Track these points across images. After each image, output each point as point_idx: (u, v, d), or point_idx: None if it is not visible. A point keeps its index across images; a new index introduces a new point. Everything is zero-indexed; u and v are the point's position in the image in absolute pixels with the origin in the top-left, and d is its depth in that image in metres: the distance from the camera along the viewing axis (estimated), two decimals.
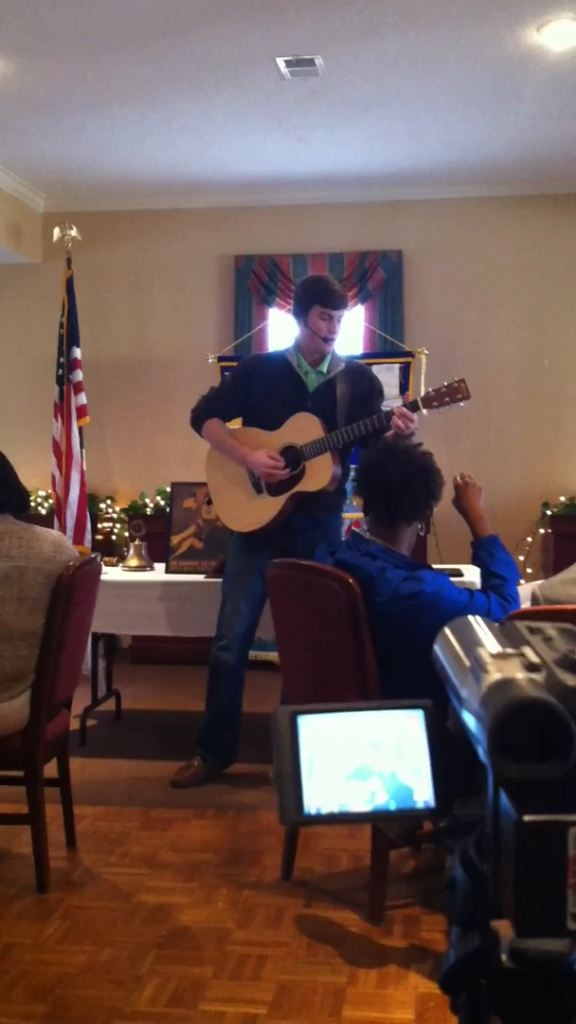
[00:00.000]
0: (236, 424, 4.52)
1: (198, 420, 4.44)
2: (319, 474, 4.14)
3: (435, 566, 3.59)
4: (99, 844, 3.70)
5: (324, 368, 4.29)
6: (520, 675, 0.72)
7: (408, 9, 4.57)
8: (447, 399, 4.11)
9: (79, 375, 6.53)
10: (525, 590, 3.34)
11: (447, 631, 0.88)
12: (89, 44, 4.92)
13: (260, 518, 4.25)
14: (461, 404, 4.10)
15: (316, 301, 4.22)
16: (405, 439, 3.96)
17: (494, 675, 0.72)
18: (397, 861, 3.41)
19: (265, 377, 4.33)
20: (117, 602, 4.68)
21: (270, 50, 4.98)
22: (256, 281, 7.31)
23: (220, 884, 3.35)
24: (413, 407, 4.04)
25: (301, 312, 4.26)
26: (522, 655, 0.75)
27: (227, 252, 7.42)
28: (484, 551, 3.29)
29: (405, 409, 4.02)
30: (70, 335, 6.56)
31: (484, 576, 3.26)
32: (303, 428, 4.19)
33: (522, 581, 3.45)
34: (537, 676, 0.72)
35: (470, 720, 0.75)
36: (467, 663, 0.79)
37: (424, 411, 4.11)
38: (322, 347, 4.25)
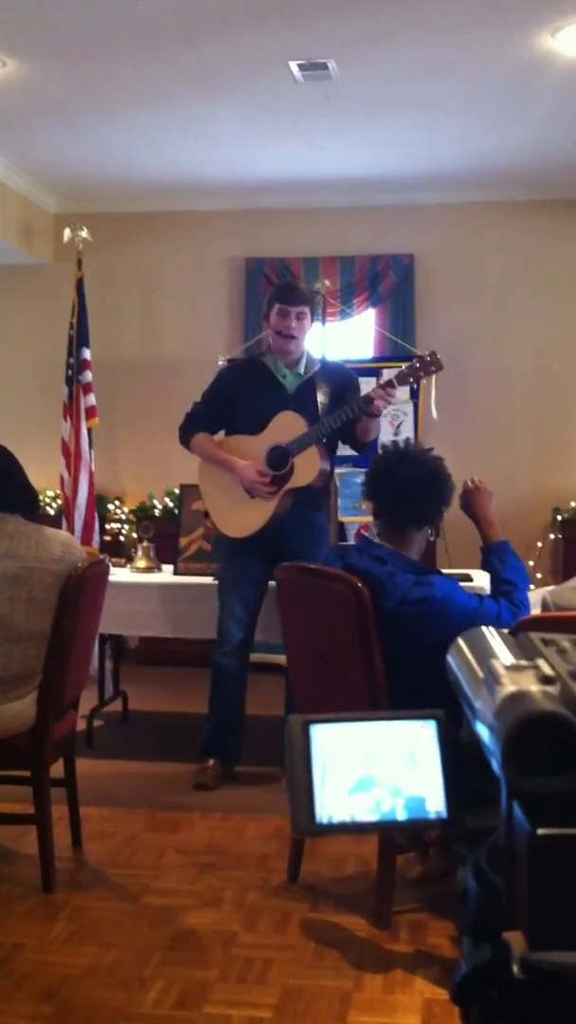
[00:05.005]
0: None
1: (185, 437, 4.51)
2: (307, 469, 4.20)
3: (445, 571, 3.59)
4: (105, 845, 3.70)
5: (300, 369, 4.37)
6: (534, 688, 0.72)
7: (422, 13, 4.56)
8: (421, 373, 4.22)
9: (88, 376, 6.54)
10: (535, 596, 3.32)
11: (460, 642, 0.88)
12: (102, 47, 4.93)
13: (257, 520, 4.29)
14: (436, 375, 4.27)
15: (275, 300, 4.35)
16: (378, 416, 4.17)
17: (508, 687, 0.72)
18: (404, 866, 3.41)
19: (244, 384, 4.41)
20: (125, 603, 4.68)
21: (283, 53, 4.98)
22: (267, 284, 7.30)
23: (226, 887, 3.35)
24: (389, 385, 4.11)
25: (266, 315, 4.40)
26: (536, 667, 0.74)
27: (238, 254, 7.42)
28: (494, 556, 3.28)
29: (381, 390, 4.10)
30: (80, 336, 6.57)
31: (494, 582, 3.26)
32: (287, 426, 4.25)
33: (532, 587, 3.43)
34: (551, 689, 0.72)
35: (483, 732, 0.75)
36: (481, 675, 0.78)
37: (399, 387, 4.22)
38: (284, 345, 4.32)
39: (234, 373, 4.56)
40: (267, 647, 4.84)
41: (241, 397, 4.38)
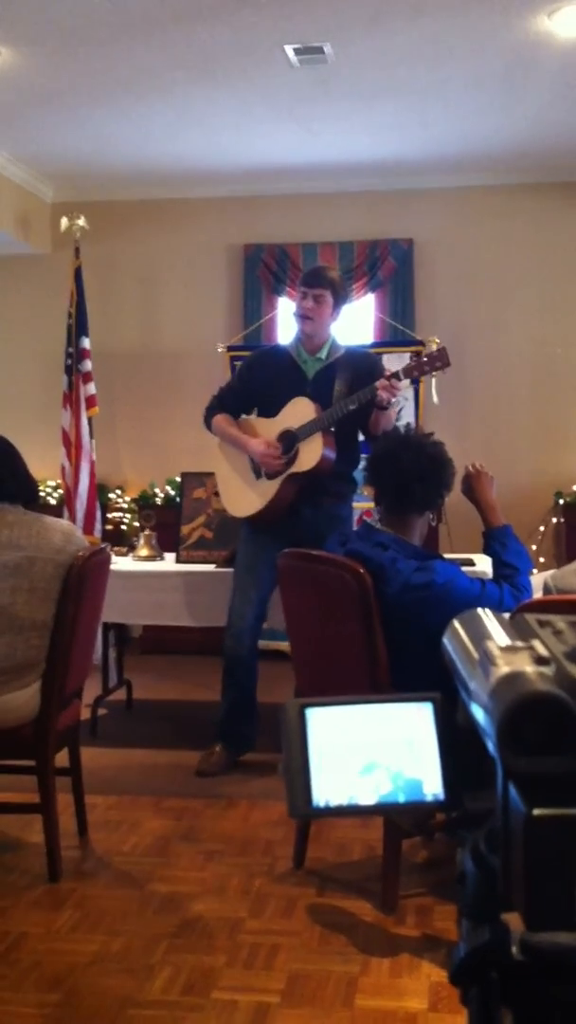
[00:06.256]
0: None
1: (207, 419, 4.56)
2: (310, 455, 4.20)
3: (447, 556, 3.59)
4: (111, 833, 3.71)
5: (323, 355, 4.36)
6: (529, 668, 0.71)
7: None
8: (427, 367, 4.22)
9: (88, 365, 6.54)
10: (537, 580, 3.33)
11: (456, 624, 0.88)
12: (97, 34, 4.91)
13: (258, 502, 4.32)
14: (442, 371, 4.23)
15: (299, 283, 4.41)
16: (386, 408, 4.09)
17: (503, 668, 0.72)
18: (409, 850, 3.41)
19: (268, 369, 4.43)
20: (127, 592, 4.70)
21: (279, 38, 4.96)
22: (265, 270, 7.29)
23: (232, 873, 3.36)
24: (394, 378, 4.11)
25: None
26: (531, 648, 0.74)
27: (236, 241, 7.40)
28: (496, 541, 3.28)
29: (386, 381, 4.08)
30: (79, 325, 6.57)
31: (496, 566, 3.26)
32: (298, 412, 4.26)
33: (534, 571, 3.43)
34: (546, 670, 0.72)
35: (479, 713, 0.74)
36: (476, 656, 0.78)
37: (406, 380, 4.18)
38: (302, 327, 4.33)
39: (258, 357, 4.60)
40: (274, 634, 4.85)
41: (263, 381, 4.42)
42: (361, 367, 4.31)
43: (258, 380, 4.44)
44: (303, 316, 4.29)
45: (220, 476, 4.59)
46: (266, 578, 4.30)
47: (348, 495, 4.45)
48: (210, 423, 4.54)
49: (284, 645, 5.13)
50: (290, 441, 4.25)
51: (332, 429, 4.20)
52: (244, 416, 4.55)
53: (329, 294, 4.28)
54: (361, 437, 4.39)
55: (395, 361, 6.46)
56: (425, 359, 4.22)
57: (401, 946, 2.87)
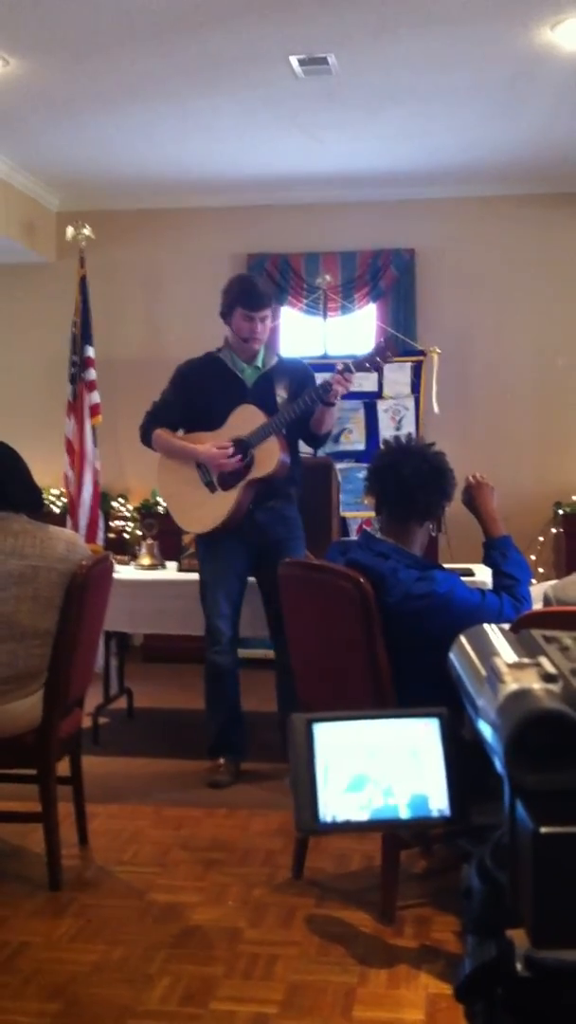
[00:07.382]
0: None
1: (146, 435, 4.54)
2: (267, 459, 4.23)
3: (447, 566, 3.59)
4: (111, 842, 3.71)
5: (259, 363, 4.41)
6: (537, 686, 0.72)
7: (422, 7, 4.56)
8: (378, 358, 4.34)
9: (92, 374, 6.55)
10: (537, 591, 3.33)
11: (463, 640, 0.88)
12: (102, 42, 4.92)
13: (218, 514, 4.31)
14: (391, 360, 4.55)
15: (237, 303, 4.32)
16: (333, 404, 4.20)
17: (511, 685, 0.72)
18: (408, 861, 3.41)
19: (203, 380, 4.41)
20: (129, 600, 4.69)
21: (284, 48, 4.98)
22: (268, 280, 7.30)
23: (231, 883, 3.36)
24: (347, 371, 4.16)
25: (227, 314, 4.38)
26: (538, 665, 0.75)
27: (240, 251, 7.41)
28: (496, 551, 3.28)
29: (339, 375, 4.14)
30: (83, 334, 6.57)
31: (496, 576, 3.26)
32: (246, 419, 4.28)
33: (534, 581, 3.43)
34: (554, 687, 0.72)
35: (486, 730, 0.75)
36: (483, 673, 0.79)
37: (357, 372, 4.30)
38: (246, 347, 4.36)
39: (193, 370, 4.51)
40: (263, 642, 4.85)
41: (201, 393, 4.40)
42: (298, 373, 4.42)
43: (195, 391, 4.41)
44: (254, 339, 4.32)
45: (168, 495, 4.60)
46: (235, 589, 4.35)
47: (295, 497, 4.47)
48: (149, 440, 4.52)
49: (259, 653, 5.20)
50: (242, 448, 4.26)
51: (284, 432, 4.24)
52: (183, 432, 4.51)
53: (270, 311, 4.37)
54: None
55: (396, 371, 6.49)
56: (374, 350, 4.33)
57: (399, 957, 2.87)
